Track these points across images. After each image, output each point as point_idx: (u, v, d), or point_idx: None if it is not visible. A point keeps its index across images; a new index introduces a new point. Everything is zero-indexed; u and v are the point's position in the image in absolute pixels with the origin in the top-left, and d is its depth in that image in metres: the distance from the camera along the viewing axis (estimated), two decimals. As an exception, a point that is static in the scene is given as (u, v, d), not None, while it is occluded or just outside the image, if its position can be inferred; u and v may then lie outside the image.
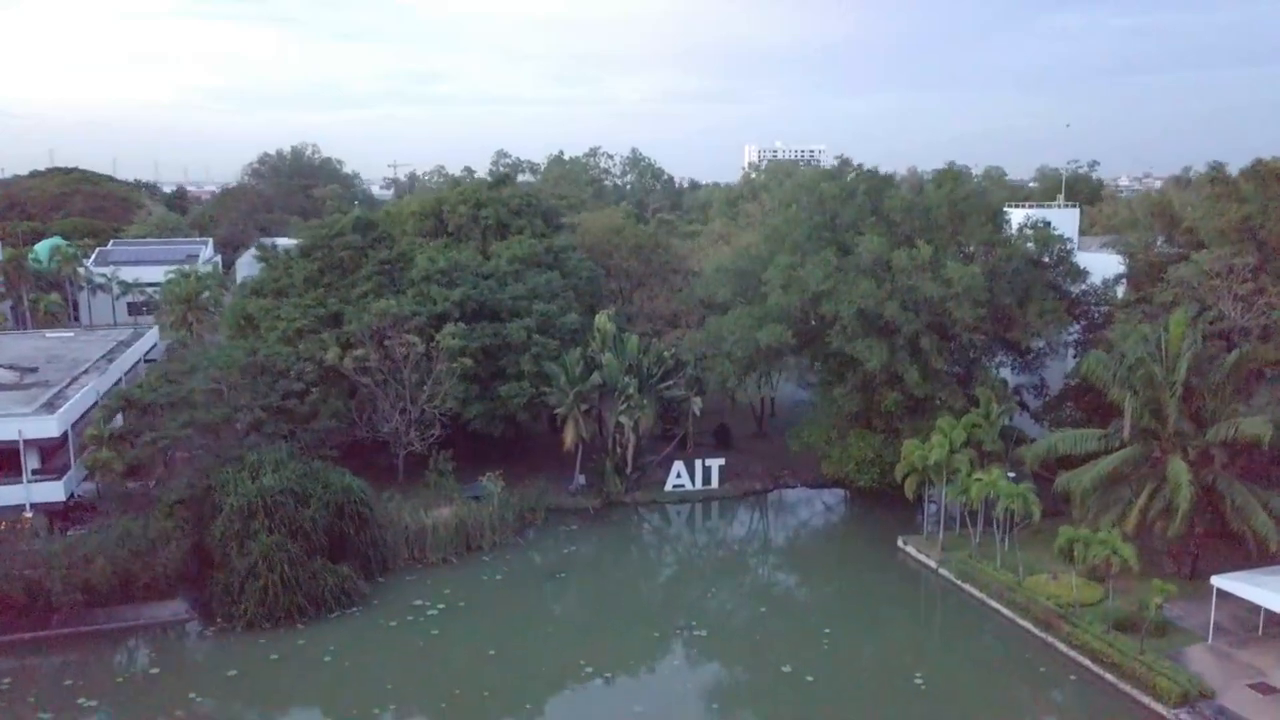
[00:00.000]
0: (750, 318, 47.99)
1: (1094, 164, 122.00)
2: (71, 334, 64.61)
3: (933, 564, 43.26)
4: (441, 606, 39.51)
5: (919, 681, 33.95)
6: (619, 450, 51.77)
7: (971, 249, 47.27)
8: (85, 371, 50.80)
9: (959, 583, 41.37)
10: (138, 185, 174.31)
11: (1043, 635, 36.23)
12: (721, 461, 54.36)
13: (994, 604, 39.03)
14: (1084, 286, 50.07)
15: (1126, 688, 32.36)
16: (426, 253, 51.52)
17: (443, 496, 46.70)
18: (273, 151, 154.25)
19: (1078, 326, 50.59)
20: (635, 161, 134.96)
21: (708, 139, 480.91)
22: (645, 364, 50.83)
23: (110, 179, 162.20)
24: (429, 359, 47.37)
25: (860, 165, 50.07)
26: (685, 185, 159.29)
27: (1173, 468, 37.08)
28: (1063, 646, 35.27)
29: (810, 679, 33.92)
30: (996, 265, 45.93)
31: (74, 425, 43.21)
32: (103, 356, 54.63)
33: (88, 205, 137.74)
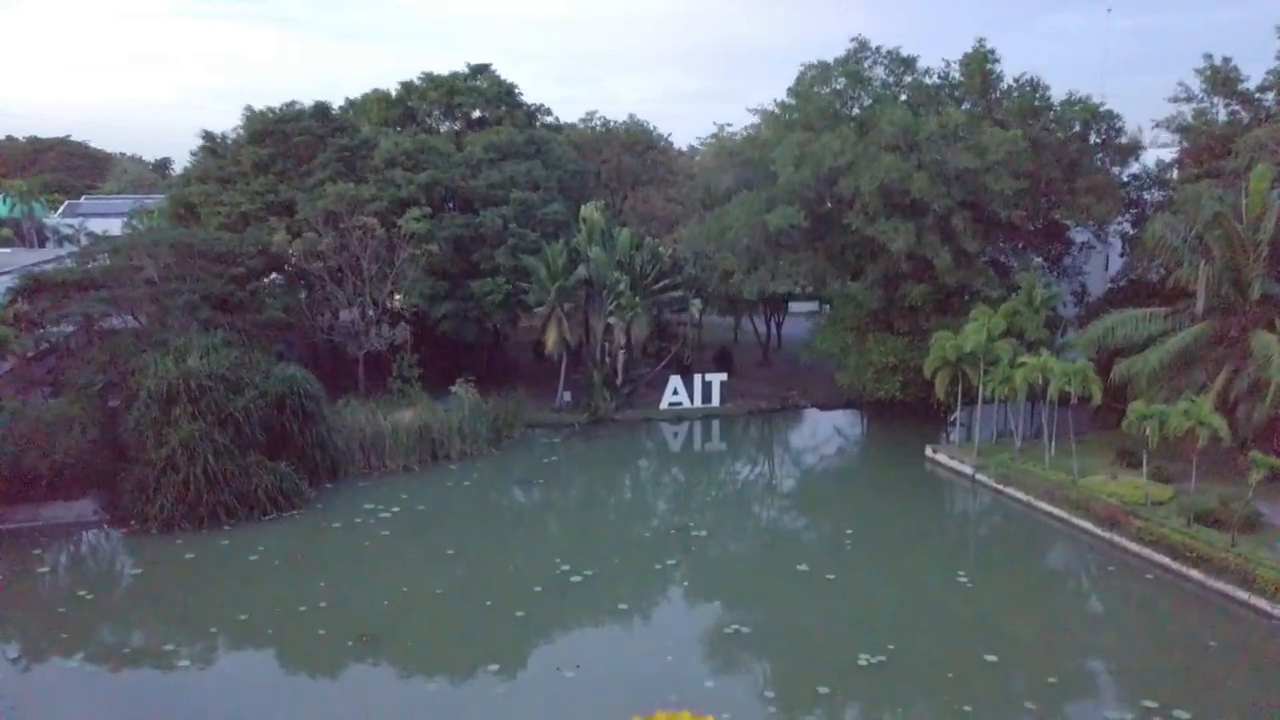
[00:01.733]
0: (758, 200, 42.11)
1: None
2: (10, 250, 59.04)
3: (968, 470, 37.42)
4: (396, 510, 33.74)
5: (963, 579, 28.24)
6: (608, 361, 45.93)
7: (1007, 120, 41.35)
8: (7, 272, 45.32)
9: (1000, 486, 35.53)
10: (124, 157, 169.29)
11: (1107, 535, 30.41)
12: (723, 377, 48.48)
13: (1044, 505, 33.21)
14: (1136, 169, 44.16)
15: (1218, 583, 26.57)
16: (391, 138, 45.68)
17: (407, 405, 40.88)
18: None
19: (1127, 218, 44.73)
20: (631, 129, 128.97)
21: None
22: (638, 261, 44.97)
23: (86, 145, 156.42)
24: (391, 249, 41.56)
25: (879, 47, 44.04)
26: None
27: (1259, 341, 31.33)
28: (1133, 545, 29.46)
29: (831, 577, 28.16)
30: (1038, 136, 40.09)
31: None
32: (33, 264, 49.13)
33: (60, 164, 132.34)
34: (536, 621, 25.02)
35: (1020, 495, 34.40)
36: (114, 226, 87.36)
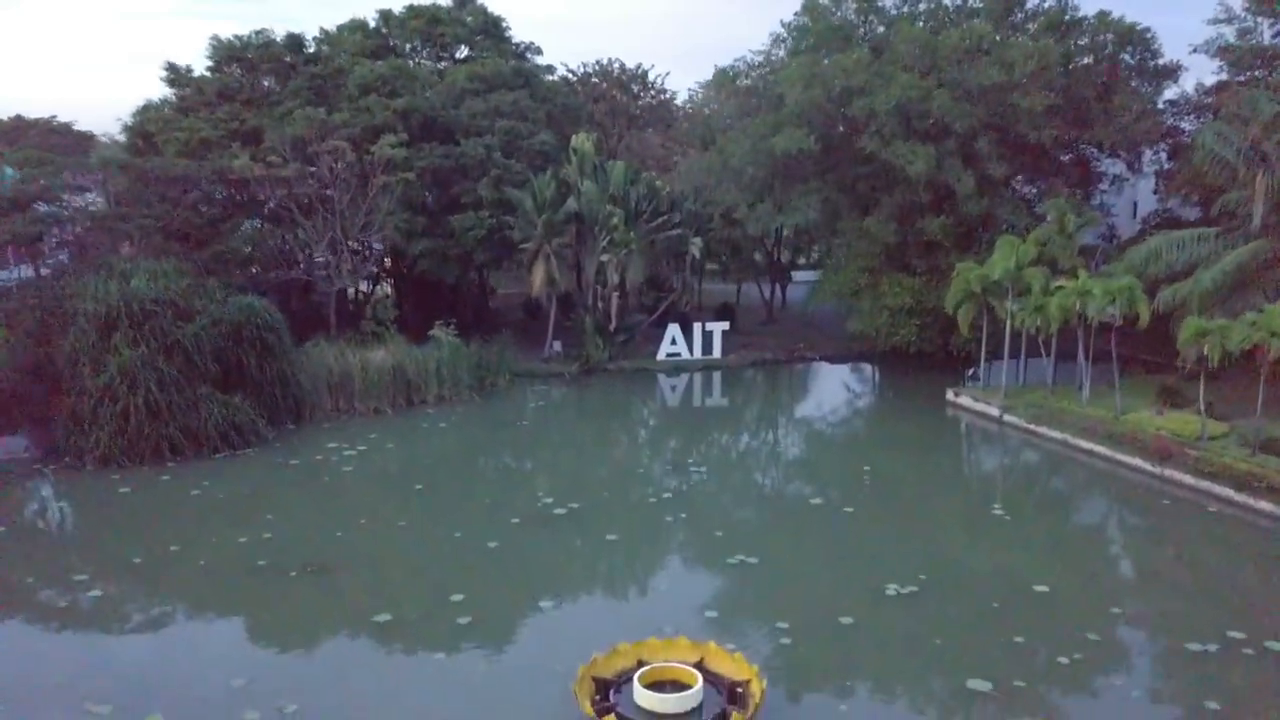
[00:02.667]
0: (764, 124, 38.71)
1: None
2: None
3: (994, 411, 34.00)
4: (363, 448, 30.37)
5: (999, 512, 24.88)
6: (600, 306, 42.53)
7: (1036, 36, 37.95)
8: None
9: (1031, 426, 32.10)
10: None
11: (1159, 470, 27.01)
12: (725, 326, 45.12)
13: (1082, 443, 29.80)
14: (1173, 94, 40.84)
15: (1293, 514, 23.23)
16: (367, 65, 42.24)
17: (380, 347, 37.48)
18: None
19: (1163, 148, 41.32)
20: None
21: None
22: (634, 196, 41.55)
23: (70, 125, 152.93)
24: (364, 180, 38.16)
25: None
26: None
27: (1324, 256, 28.02)
28: (1189, 478, 26.07)
29: (849, 510, 24.76)
30: (1070, 52, 36.73)
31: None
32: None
33: (42, 142, 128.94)
34: (511, 552, 21.62)
35: (1055, 434, 30.99)
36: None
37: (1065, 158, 40.55)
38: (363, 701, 15.22)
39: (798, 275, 71.55)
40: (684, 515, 24.48)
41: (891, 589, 19.31)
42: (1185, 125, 40.75)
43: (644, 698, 14.27)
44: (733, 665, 15.50)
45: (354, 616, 18.27)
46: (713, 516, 24.63)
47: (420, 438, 32.09)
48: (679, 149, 47.28)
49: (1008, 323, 33.66)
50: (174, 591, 19.56)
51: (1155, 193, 42.25)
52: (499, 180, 39.69)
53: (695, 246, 42.69)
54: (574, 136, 41.86)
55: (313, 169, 37.16)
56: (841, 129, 39.48)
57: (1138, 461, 27.67)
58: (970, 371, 39.59)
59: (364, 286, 48.70)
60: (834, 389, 42.26)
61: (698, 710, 14.26)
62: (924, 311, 39.57)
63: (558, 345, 43.54)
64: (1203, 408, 27.65)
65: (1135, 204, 47.35)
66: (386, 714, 14.89)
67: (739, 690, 14.93)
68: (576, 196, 40.02)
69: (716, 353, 44.48)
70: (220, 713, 14.77)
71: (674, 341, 44.02)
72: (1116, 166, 42.04)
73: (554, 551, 22.10)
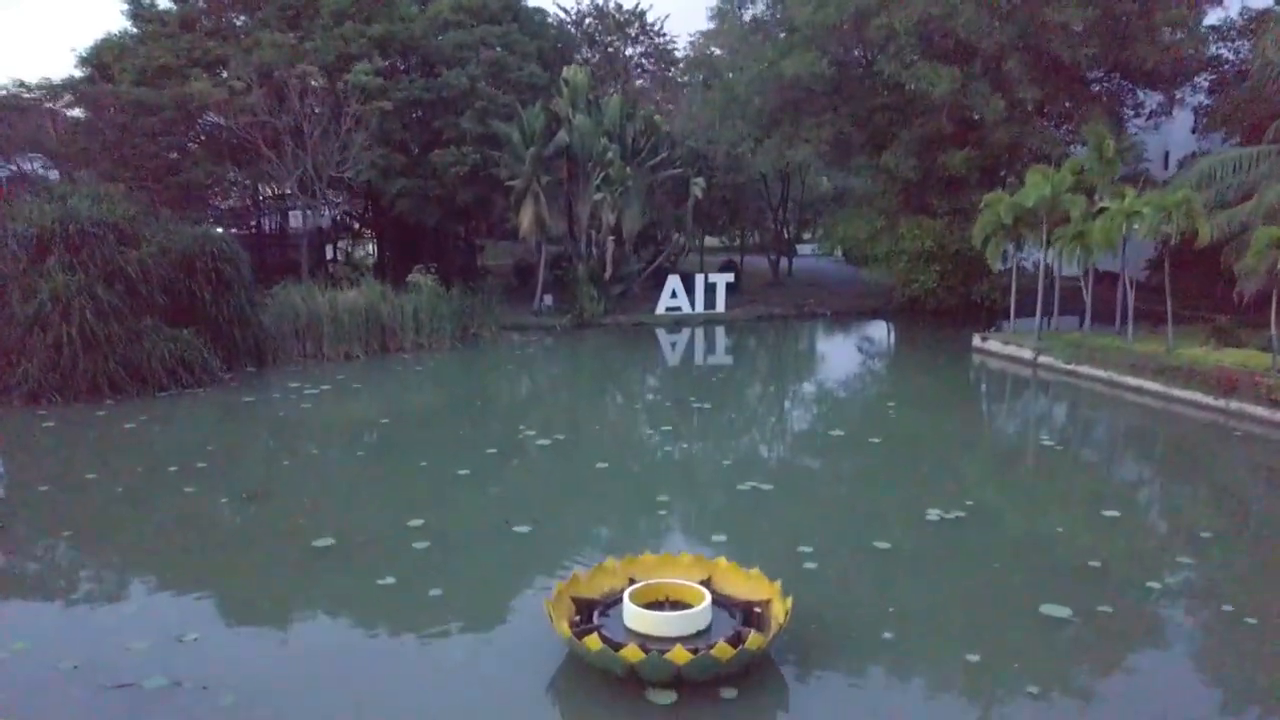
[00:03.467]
0: (772, 49, 35.57)
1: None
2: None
3: (1027, 354, 30.84)
4: (326, 387, 27.27)
5: (1049, 442, 21.77)
6: (594, 252, 39.38)
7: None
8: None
9: (1071, 366, 28.93)
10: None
11: (1222, 404, 23.87)
12: (730, 278, 42.00)
13: (1130, 380, 26.66)
14: (1216, 19, 37.57)
15: (1390, 441, 20.09)
16: (341, -5, 39.10)
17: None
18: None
19: (1204, 80, 38.16)
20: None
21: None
22: (630, 132, 38.41)
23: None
24: (337, 112, 35.07)
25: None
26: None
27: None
28: (1261, 410, 22.92)
29: (875, 440, 21.61)
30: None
31: None
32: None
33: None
34: (484, 479, 18.47)
35: (1098, 372, 27.83)
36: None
37: (1097, 88, 37.41)
38: (282, 632, 12.06)
39: (803, 249, 68.76)
40: (685, 445, 21.31)
41: (933, 514, 16.16)
42: (1228, 54, 37.55)
43: (638, 618, 11.13)
44: (749, 584, 12.34)
45: (288, 541, 15.13)
46: (719, 447, 21.46)
47: (392, 379, 28.97)
48: (679, 94, 44.23)
49: (1042, 258, 30.54)
50: (78, 517, 16.38)
51: (1194, 130, 39.11)
52: (484, 113, 36.57)
53: (697, 187, 39.45)
54: (566, 68, 38.69)
55: (280, 95, 34.08)
56: (857, 53, 36.32)
57: (1198, 396, 24.52)
58: (995, 326, 36.56)
59: (341, 241, 45.75)
60: (848, 340, 39.05)
61: (705, 633, 11.12)
62: (945, 256, 36.49)
63: (549, 299, 40.44)
64: (1275, 332, 24.47)
65: (1166, 153, 44.24)
66: (311, 641, 11.74)
67: (757, 611, 11.81)
68: (568, 130, 36.89)
69: (720, 307, 41.35)
70: (108, 636, 11.64)
71: (674, 295, 40.88)
72: (1151, 102, 38.92)
73: (534, 478, 19.01)
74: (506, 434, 22.00)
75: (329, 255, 44.70)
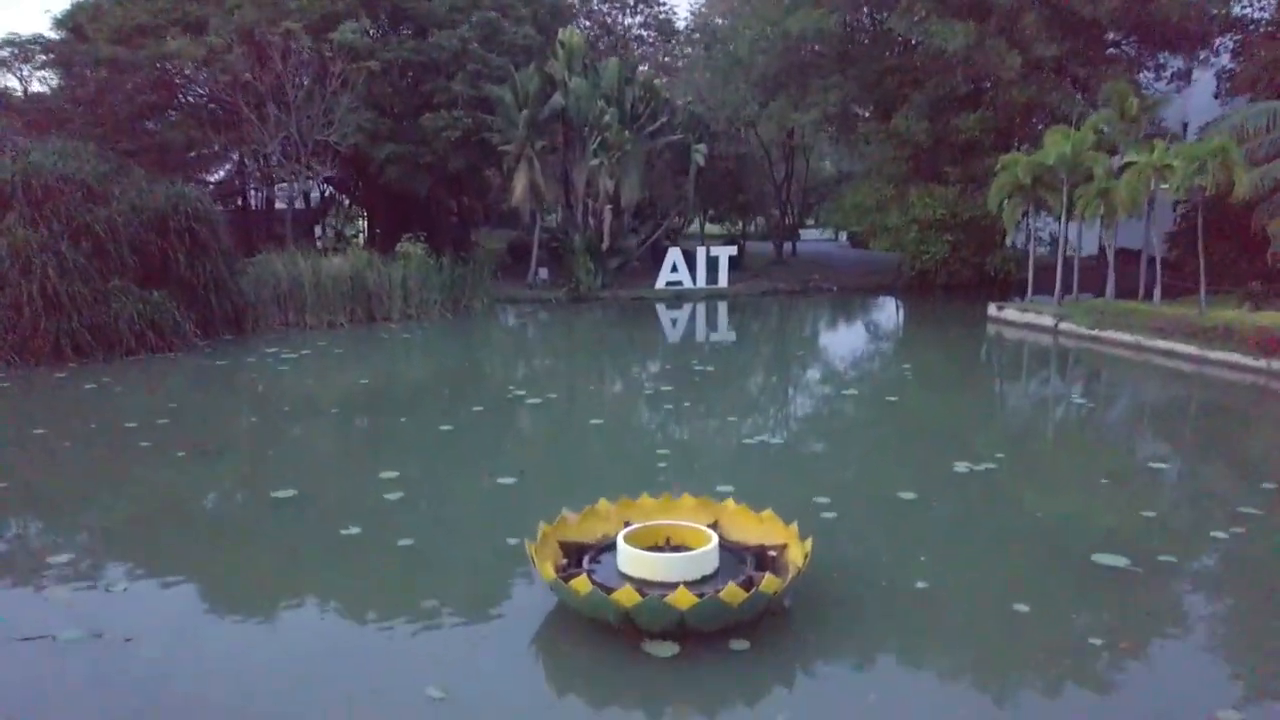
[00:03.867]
0: (776, 6, 34.01)
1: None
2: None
3: (1047, 321, 29.27)
4: (306, 353, 25.72)
5: (1080, 400, 20.22)
6: (591, 222, 37.79)
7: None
8: None
9: (1094, 332, 27.34)
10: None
11: (1262, 364, 22.29)
12: (733, 251, 40.45)
13: (1160, 343, 25.07)
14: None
15: None
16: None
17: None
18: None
19: (1227, 43, 36.59)
20: None
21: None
22: (629, 97, 36.84)
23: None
24: (322, 79, 33.52)
25: None
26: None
27: None
28: (1304, 368, 21.37)
29: (893, 399, 20.05)
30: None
31: None
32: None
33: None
34: (467, 434, 16.92)
35: (1125, 337, 26.24)
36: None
37: (1113, 51, 35.85)
38: (219, 583, 10.49)
39: (806, 235, 67.42)
40: (687, 404, 19.73)
41: (961, 466, 14.59)
42: (1255, 12, 35.99)
43: (634, 561, 9.56)
44: (761, 528, 10.77)
45: (243, 492, 13.57)
46: (724, 406, 19.88)
47: (375, 345, 27.43)
48: (679, 63, 42.69)
49: (1062, 223, 28.97)
50: (18, 470, 14.81)
51: (1216, 96, 37.53)
52: (476, 76, 35.01)
53: (699, 154, 37.84)
54: (562, 30, 37.11)
55: (262, 56, 32.51)
56: (866, 9, 34.75)
57: (1235, 357, 22.95)
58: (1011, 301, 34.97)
59: (330, 219, 44.18)
60: (857, 312, 37.39)
61: (712, 579, 9.55)
62: (958, 225, 34.90)
63: (544, 273, 38.91)
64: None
65: (1185, 125, 42.65)
66: (252, 591, 10.17)
67: (771, 555, 10.24)
68: (564, 93, 35.31)
69: (723, 282, 39.82)
70: (26, 588, 10.08)
71: (675, 269, 39.33)
72: (1173, 64, 37.36)
73: (522, 433, 17.46)
74: (495, 394, 20.45)
75: (318, 234, 43.28)
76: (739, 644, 8.70)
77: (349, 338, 28.22)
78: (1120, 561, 10.78)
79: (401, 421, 17.99)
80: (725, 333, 31.64)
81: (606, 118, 34.78)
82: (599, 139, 35.10)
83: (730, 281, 40.01)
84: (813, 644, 8.87)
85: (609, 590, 8.93)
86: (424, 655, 8.66)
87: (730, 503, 11.25)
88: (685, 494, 11.56)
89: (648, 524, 10.56)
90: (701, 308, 37.19)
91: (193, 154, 33.45)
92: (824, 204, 65.62)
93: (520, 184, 35.01)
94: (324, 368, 23.94)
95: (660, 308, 37.27)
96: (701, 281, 39.38)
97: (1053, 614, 9.51)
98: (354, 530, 11.87)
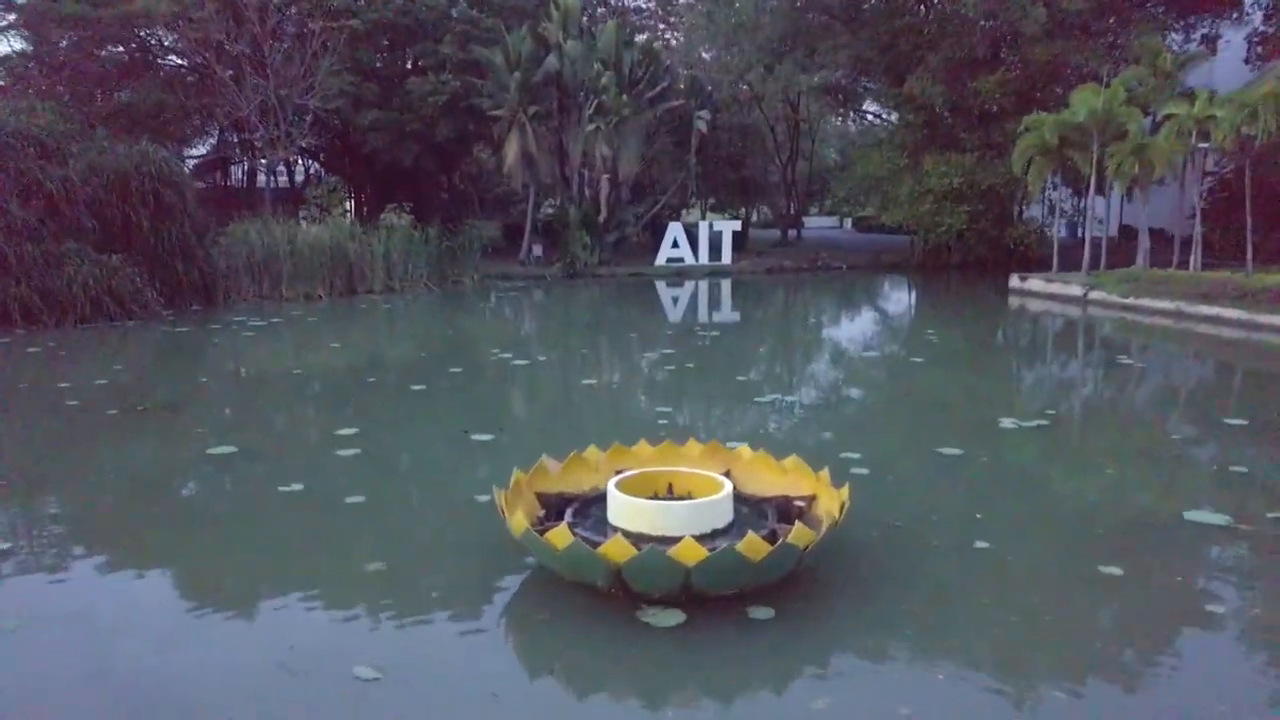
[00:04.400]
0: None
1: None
2: None
3: (1075, 291, 27.30)
4: (276, 320, 23.77)
5: (1127, 361, 18.25)
6: (587, 193, 35.82)
7: None
8: None
9: (1129, 300, 25.35)
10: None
11: (1318, 326, 20.34)
12: (737, 226, 38.51)
13: (1204, 309, 23.09)
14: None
15: None
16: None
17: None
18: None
19: (1259, 5, 34.64)
20: None
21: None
22: (628, 61, 34.86)
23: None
24: (301, 40, 31.57)
25: None
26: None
27: None
28: (1369, 329, 19.38)
29: (919, 360, 18.09)
30: None
31: None
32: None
33: None
34: (441, 394, 14.99)
35: (1163, 304, 24.25)
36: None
37: (1139, 14, 33.88)
38: (133, 540, 8.54)
39: (811, 222, 65.69)
40: (690, 365, 17.75)
41: (1008, 423, 12.62)
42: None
43: (630, 511, 7.61)
44: (785, 478, 8.82)
45: (176, 448, 11.62)
46: (732, 367, 17.89)
47: (353, 316, 25.48)
48: (681, 26, 40.79)
49: (1090, 182, 27.01)
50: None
51: (1246, 61, 35.57)
52: (465, 38, 33.05)
53: (702, 121, 35.83)
54: (556, -10, 35.14)
55: (237, 13, 30.59)
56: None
57: (1285, 320, 20.99)
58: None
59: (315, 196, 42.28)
60: (871, 287, 35.19)
61: (725, 533, 7.60)
62: (976, 196, 32.92)
63: (537, 249, 36.95)
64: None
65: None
66: (167, 551, 8.21)
67: (798, 505, 8.30)
68: (558, 56, 33.34)
69: (726, 259, 37.85)
70: None
71: (676, 245, 37.36)
72: (1203, 25, 35.38)
73: (505, 394, 15.51)
74: (476, 357, 18.53)
75: (301, 215, 41.35)
76: (760, 612, 6.77)
77: (326, 310, 26.24)
78: (1220, 519, 8.83)
79: (370, 381, 16.07)
80: (731, 308, 29.62)
81: (604, 80, 32.80)
82: (595, 102, 33.10)
83: (734, 260, 38.04)
84: (850, 612, 6.91)
85: (595, 544, 6.99)
86: (358, 628, 6.70)
87: (745, 449, 9.29)
88: (691, 439, 9.62)
89: (648, 470, 8.63)
90: (704, 285, 35.16)
91: (164, 117, 31.42)
92: (828, 189, 63.92)
93: (512, 151, 33.02)
94: (293, 335, 21.98)
95: (660, 285, 35.25)
96: (704, 258, 37.43)
97: (1151, 576, 7.55)
98: (295, 487, 9.92)
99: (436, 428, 12.82)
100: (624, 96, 33.24)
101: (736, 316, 26.77)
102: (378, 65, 33.51)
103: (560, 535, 7.06)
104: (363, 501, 9.47)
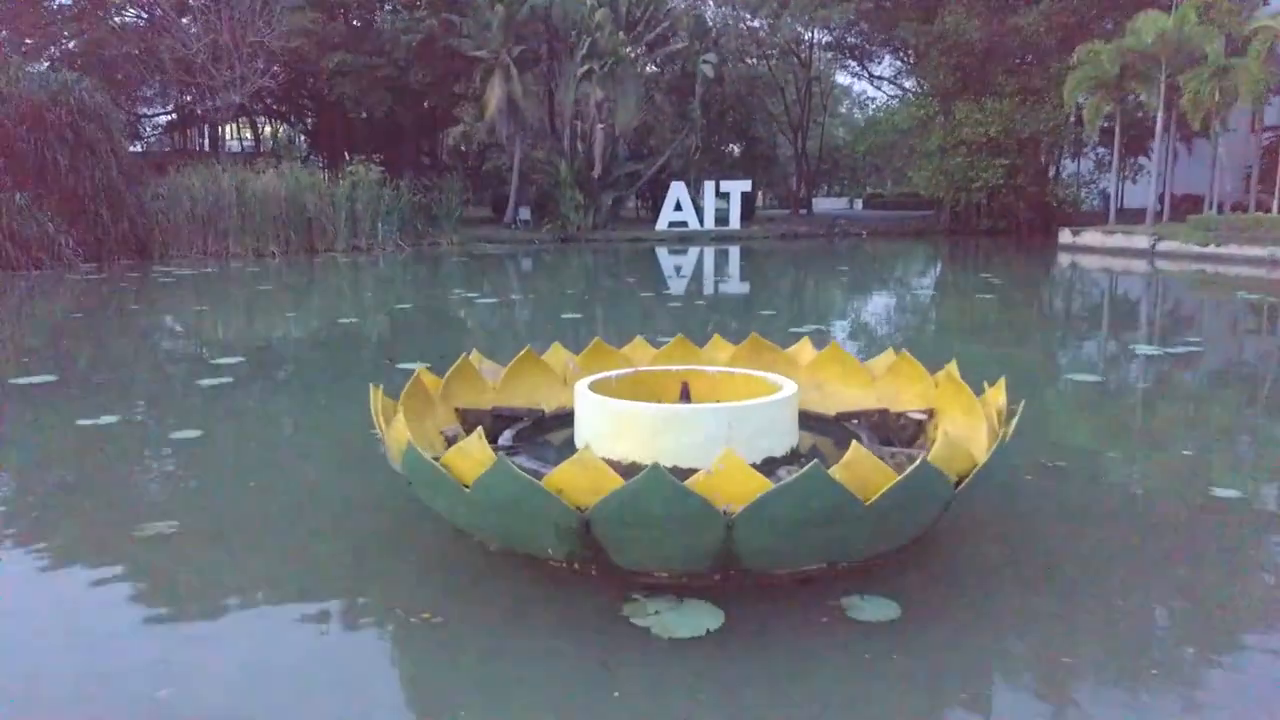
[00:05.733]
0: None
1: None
2: None
3: (1141, 243, 23.65)
4: (209, 270, 20.17)
5: (1246, 295, 14.65)
6: (581, 150, 32.18)
7: None
8: None
9: (1208, 250, 21.64)
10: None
11: None
12: (747, 186, 34.88)
13: (1304, 255, 19.48)
14: None
15: None
16: None
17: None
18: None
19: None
20: None
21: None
22: (624, 3, 31.20)
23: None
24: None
25: None
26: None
27: None
28: None
29: (987, 296, 14.50)
30: None
31: None
32: None
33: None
34: (373, 327, 11.47)
35: (1251, 251, 20.61)
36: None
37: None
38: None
39: (820, 205, 62.22)
40: (700, 303, 14.17)
41: (1070, 377, 8.95)
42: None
43: (611, 422, 4.09)
44: (873, 387, 5.31)
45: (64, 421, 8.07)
46: (755, 307, 14.28)
47: (303, 271, 21.77)
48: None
49: (1158, 116, 23.43)
50: None
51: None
52: (443, -29, 29.52)
53: (708, 66, 32.13)
54: (545, -80, 31.51)
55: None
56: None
57: None
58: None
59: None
60: (900, 249, 31.23)
61: (789, 462, 4.10)
62: (1013, 149, 29.33)
63: (525, 212, 33.30)
64: None
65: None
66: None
67: (911, 421, 4.79)
68: (548, -7, 29.73)
69: (734, 224, 34.19)
70: None
71: (679, 207, 33.66)
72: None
73: (462, 324, 11.97)
74: (432, 294, 14.98)
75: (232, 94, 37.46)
76: (870, 606, 3.28)
77: (276, 269, 22.53)
78: None
79: (289, 316, 12.49)
80: (743, 276, 25.88)
81: (598, 17, 29.22)
82: (588, 41, 29.50)
83: (743, 220, 34.45)
84: (1025, 610, 3.38)
85: (540, 475, 3.44)
86: (152, 628, 3.17)
87: (807, 344, 5.76)
88: (717, 335, 6.08)
89: (643, 370, 5.11)
90: (710, 251, 31.43)
91: (113, 65, 27.80)
92: (837, 170, 60.65)
93: (494, 96, 29.38)
94: (224, 285, 18.33)
95: (662, 252, 31.54)
96: (710, 223, 33.76)
97: None
98: (107, 419, 6.36)
99: (358, 356, 9.26)
100: (621, 35, 29.65)
101: (749, 284, 23.06)
102: (344, 2, 29.97)
103: (468, 455, 3.53)
104: (199, 437, 5.93)
